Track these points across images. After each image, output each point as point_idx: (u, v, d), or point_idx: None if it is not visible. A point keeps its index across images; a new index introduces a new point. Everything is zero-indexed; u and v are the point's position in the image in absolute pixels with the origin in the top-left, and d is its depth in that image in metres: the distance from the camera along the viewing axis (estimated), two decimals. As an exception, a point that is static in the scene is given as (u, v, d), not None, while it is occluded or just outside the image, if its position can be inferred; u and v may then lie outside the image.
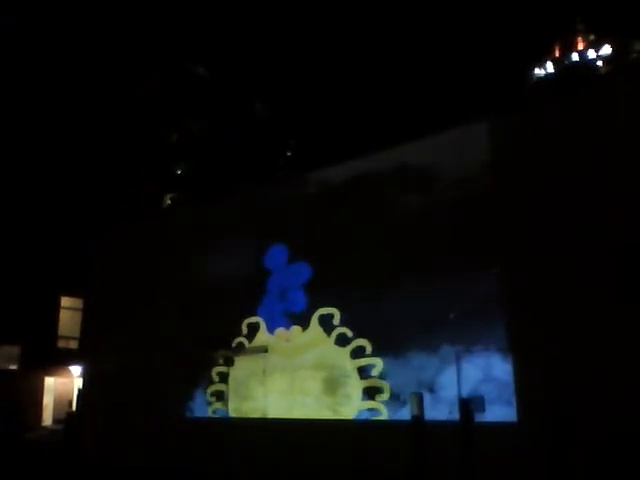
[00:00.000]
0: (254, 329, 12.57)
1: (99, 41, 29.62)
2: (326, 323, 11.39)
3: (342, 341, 11.08)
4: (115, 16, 30.72)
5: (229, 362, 12.72)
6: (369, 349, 10.67)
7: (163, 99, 34.47)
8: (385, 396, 10.32)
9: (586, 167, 8.78)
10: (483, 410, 8.83)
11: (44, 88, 26.77)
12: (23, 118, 25.91)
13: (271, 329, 12.27)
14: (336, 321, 11.23)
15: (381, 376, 10.43)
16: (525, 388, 8.73)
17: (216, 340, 12.94)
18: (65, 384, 24.58)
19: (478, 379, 9.18)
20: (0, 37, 25.49)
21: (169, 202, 34.11)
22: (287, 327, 12.01)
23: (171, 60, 34.71)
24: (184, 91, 35.31)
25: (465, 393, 9.07)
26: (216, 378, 12.96)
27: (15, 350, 23.84)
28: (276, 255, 12.52)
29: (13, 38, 26.24)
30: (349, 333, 11.00)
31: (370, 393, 10.53)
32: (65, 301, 25.86)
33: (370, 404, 10.51)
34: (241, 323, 12.74)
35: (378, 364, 10.51)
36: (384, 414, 10.27)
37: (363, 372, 10.69)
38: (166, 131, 34.76)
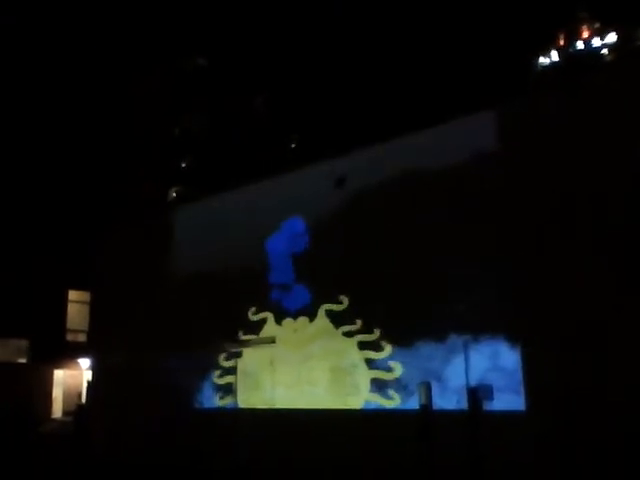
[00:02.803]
0: (262, 321, 12.64)
1: (99, 41, 29.57)
2: (333, 314, 11.44)
3: (349, 332, 11.14)
4: (115, 16, 30.61)
5: (237, 354, 12.77)
6: (377, 339, 10.72)
7: (163, 99, 34.45)
8: (393, 385, 10.38)
9: (592, 158, 8.73)
10: (491, 399, 8.88)
11: (44, 88, 26.77)
12: (24, 118, 25.95)
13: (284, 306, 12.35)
14: (343, 312, 11.28)
15: (389, 366, 10.49)
16: (533, 377, 8.77)
17: (223, 333, 13.02)
18: (74, 376, 24.75)
19: (486, 368, 9.22)
20: (0, 37, 25.47)
21: (174, 196, 34.12)
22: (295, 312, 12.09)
23: (171, 60, 34.62)
24: (184, 88, 35.23)
25: (473, 382, 9.11)
26: (224, 370, 13.04)
27: (24, 343, 24.04)
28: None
29: (13, 38, 26.22)
30: (356, 324, 11.05)
31: (378, 383, 10.60)
32: (73, 294, 25.98)
33: (378, 394, 10.57)
34: (248, 315, 12.83)
35: (386, 354, 10.56)
36: (392, 403, 10.34)
37: (371, 362, 10.76)
38: (166, 130, 34.74)
